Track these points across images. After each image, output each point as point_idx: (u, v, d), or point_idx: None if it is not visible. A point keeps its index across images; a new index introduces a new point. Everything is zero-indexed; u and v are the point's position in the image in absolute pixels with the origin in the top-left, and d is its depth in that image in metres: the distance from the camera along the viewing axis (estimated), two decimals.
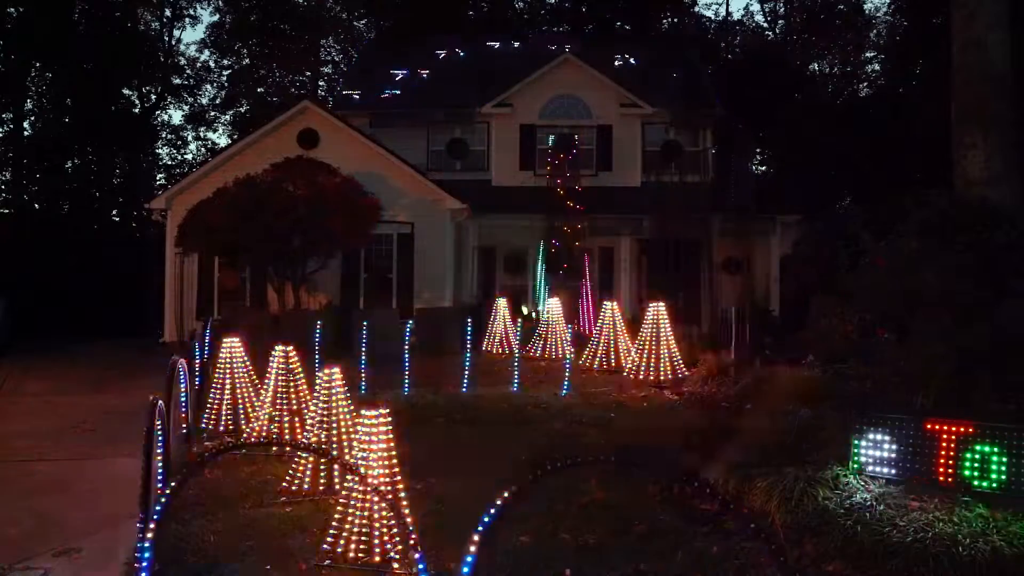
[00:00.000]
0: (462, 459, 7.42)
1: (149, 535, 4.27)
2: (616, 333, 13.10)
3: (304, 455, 6.61)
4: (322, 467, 6.57)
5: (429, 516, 5.71)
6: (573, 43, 25.41)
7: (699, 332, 15.83)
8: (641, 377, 11.65)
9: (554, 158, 20.60)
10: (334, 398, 6.76)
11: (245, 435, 8.34)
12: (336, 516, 5.26)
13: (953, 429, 5.54)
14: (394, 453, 5.26)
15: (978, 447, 5.43)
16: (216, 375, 9.14)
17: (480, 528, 3.54)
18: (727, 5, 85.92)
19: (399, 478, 5.32)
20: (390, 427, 5.27)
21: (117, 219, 34.44)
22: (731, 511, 5.27)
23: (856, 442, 5.91)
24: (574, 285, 18.48)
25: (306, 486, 6.53)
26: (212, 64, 37.59)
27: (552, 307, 14.86)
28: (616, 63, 24.29)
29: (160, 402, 5.23)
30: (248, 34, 36.94)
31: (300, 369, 8.14)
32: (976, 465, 5.43)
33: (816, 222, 18.84)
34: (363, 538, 5.09)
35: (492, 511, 3.57)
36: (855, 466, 5.86)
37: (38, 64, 30.99)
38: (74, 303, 24.23)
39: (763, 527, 4.65)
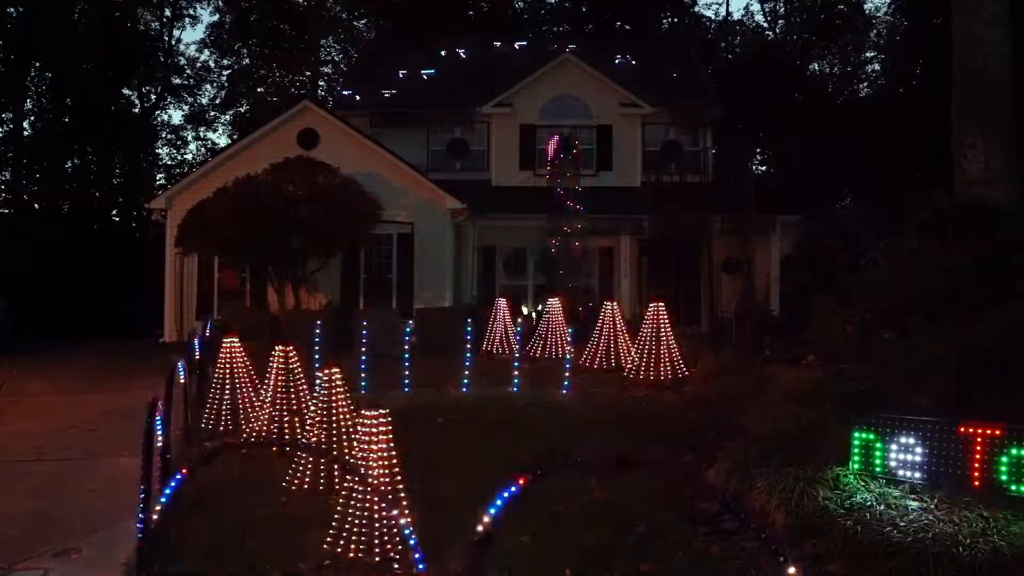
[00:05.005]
0: (462, 459, 7.41)
1: (149, 535, 4.27)
2: (616, 333, 13.09)
3: (304, 455, 6.62)
4: (322, 467, 6.57)
5: (429, 516, 5.71)
6: (573, 43, 25.41)
7: (699, 332, 15.85)
8: (641, 377, 11.64)
9: (555, 157, 20.56)
10: (334, 398, 6.77)
11: (245, 435, 8.34)
12: (336, 516, 5.26)
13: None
14: (394, 453, 5.26)
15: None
16: (216, 375, 9.15)
17: (480, 528, 3.54)
18: (727, 5, 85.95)
19: (399, 478, 5.33)
20: (390, 427, 5.28)
21: (117, 219, 34.43)
22: (731, 511, 5.28)
23: (856, 442, 5.91)
24: (574, 285, 18.47)
25: (306, 486, 6.53)
26: (212, 64, 37.63)
27: (552, 307, 14.84)
28: (616, 63, 24.28)
29: (159, 402, 5.23)
30: (248, 34, 36.94)
31: (300, 369, 8.14)
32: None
33: (816, 222, 18.86)
34: (363, 538, 5.09)
35: (492, 511, 3.57)
36: (855, 466, 5.86)
37: (38, 64, 30.97)
38: (74, 303, 24.22)
39: (763, 527, 4.66)
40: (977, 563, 4.63)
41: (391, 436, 5.26)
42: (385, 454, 5.19)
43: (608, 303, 13.59)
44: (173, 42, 36.81)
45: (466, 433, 8.48)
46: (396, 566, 4.95)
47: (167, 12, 36.06)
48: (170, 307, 18.77)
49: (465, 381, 10.96)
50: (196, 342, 10.04)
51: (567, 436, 8.28)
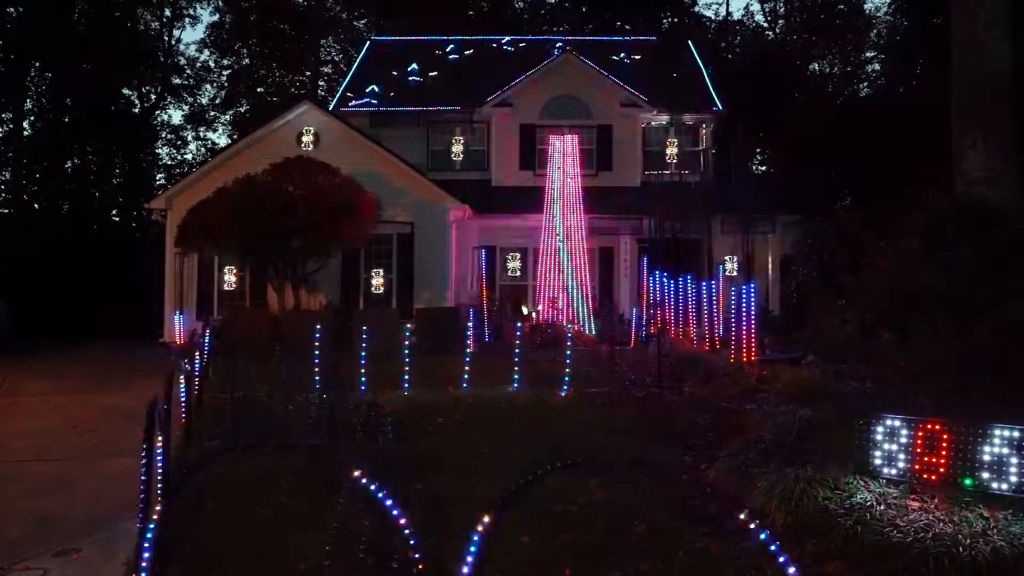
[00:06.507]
0: (462, 459, 7.42)
1: (149, 535, 4.27)
2: None
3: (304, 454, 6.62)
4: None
5: (429, 516, 5.71)
6: (573, 43, 25.41)
7: (699, 332, 15.80)
8: (642, 377, 11.62)
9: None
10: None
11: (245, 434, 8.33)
12: (336, 516, 5.25)
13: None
14: (394, 453, 5.26)
15: None
16: (216, 374, 9.16)
17: (480, 528, 3.55)
18: (727, 5, 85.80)
19: (399, 478, 5.33)
20: (390, 427, 5.28)
21: (117, 219, 34.44)
22: (731, 511, 5.27)
23: (856, 442, 5.91)
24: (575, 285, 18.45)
25: (306, 486, 6.52)
26: (212, 64, 37.61)
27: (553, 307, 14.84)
28: (616, 63, 24.29)
29: (160, 402, 5.23)
30: (248, 34, 36.94)
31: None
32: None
33: (816, 222, 18.84)
34: (363, 538, 5.09)
35: (492, 511, 3.57)
36: (855, 466, 5.86)
37: (38, 64, 30.97)
38: (74, 303, 24.24)
39: (763, 527, 4.65)
40: (977, 563, 4.63)
41: (391, 436, 5.26)
42: (385, 454, 5.19)
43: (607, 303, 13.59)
44: (173, 42, 36.87)
45: (466, 433, 8.48)
46: (396, 566, 4.95)
47: (167, 12, 36.08)
48: (170, 307, 18.77)
49: (465, 381, 10.96)
50: (196, 342, 10.04)
51: (567, 436, 8.28)
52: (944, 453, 5.52)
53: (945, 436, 5.54)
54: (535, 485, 3.52)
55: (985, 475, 5.37)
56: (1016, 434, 5.33)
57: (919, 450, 5.62)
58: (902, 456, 5.69)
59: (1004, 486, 5.30)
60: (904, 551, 4.81)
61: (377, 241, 18.53)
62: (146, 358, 15.53)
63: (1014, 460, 5.30)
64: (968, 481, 5.40)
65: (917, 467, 5.62)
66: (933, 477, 5.54)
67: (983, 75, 9.69)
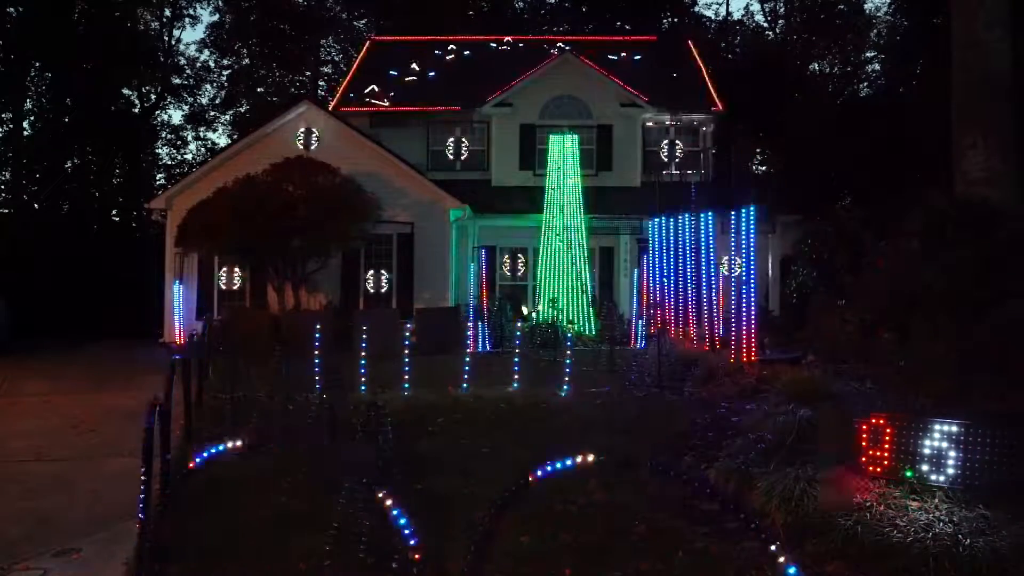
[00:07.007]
0: (462, 459, 7.42)
1: (149, 535, 4.28)
2: None
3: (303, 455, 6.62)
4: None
5: (429, 516, 5.71)
6: (573, 43, 25.41)
7: (699, 332, 15.80)
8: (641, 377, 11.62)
9: None
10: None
11: (245, 435, 8.33)
12: (337, 516, 5.25)
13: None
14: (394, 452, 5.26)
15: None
16: (216, 374, 9.16)
17: (480, 528, 3.54)
18: (727, 5, 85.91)
19: (400, 477, 5.33)
20: (390, 426, 5.28)
21: (117, 219, 34.43)
22: (731, 511, 5.27)
23: (856, 442, 5.91)
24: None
25: (306, 486, 6.52)
26: (212, 64, 37.62)
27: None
28: (616, 63, 24.30)
29: (160, 402, 5.23)
30: (248, 34, 36.95)
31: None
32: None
33: (816, 222, 18.85)
34: (363, 538, 5.09)
35: (492, 511, 3.57)
36: (855, 466, 5.87)
37: (38, 64, 30.96)
38: (74, 303, 24.23)
39: (763, 527, 4.65)
40: (977, 563, 4.63)
41: (391, 436, 5.27)
42: (385, 454, 5.19)
43: (607, 303, 13.59)
44: (173, 42, 36.86)
45: (466, 433, 8.48)
46: (396, 566, 4.95)
47: (167, 12, 36.08)
48: (170, 307, 18.77)
49: (465, 381, 10.96)
50: (196, 342, 10.03)
51: (567, 436, 8.28)
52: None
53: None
54: (535, 485, 3.52)
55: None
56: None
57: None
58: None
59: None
60: (904, 551, 4.80)
61: (377, 241, 18.55)
62: (146, 358, 15.53)
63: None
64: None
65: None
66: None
67: (983, 75, 9.69)
